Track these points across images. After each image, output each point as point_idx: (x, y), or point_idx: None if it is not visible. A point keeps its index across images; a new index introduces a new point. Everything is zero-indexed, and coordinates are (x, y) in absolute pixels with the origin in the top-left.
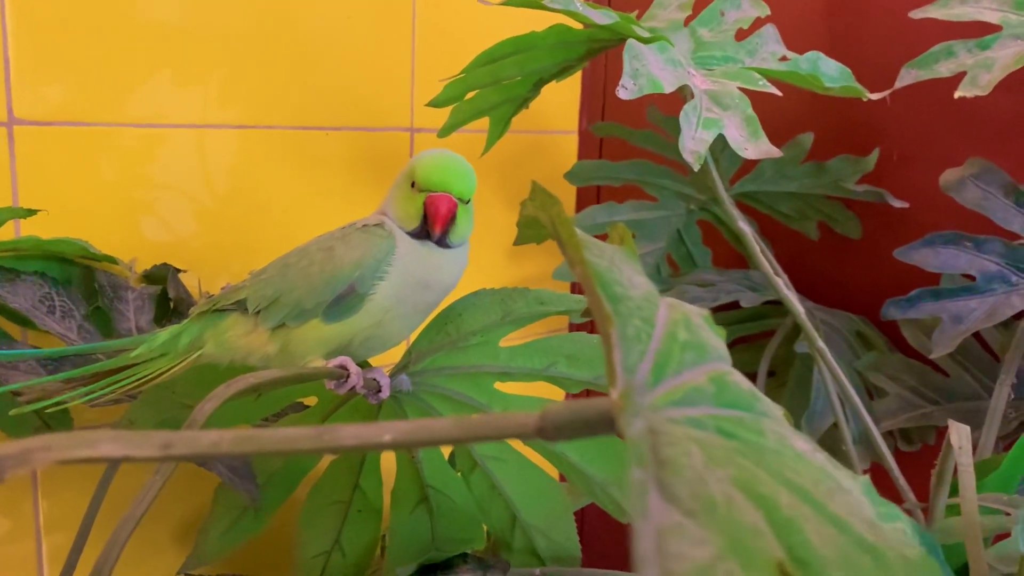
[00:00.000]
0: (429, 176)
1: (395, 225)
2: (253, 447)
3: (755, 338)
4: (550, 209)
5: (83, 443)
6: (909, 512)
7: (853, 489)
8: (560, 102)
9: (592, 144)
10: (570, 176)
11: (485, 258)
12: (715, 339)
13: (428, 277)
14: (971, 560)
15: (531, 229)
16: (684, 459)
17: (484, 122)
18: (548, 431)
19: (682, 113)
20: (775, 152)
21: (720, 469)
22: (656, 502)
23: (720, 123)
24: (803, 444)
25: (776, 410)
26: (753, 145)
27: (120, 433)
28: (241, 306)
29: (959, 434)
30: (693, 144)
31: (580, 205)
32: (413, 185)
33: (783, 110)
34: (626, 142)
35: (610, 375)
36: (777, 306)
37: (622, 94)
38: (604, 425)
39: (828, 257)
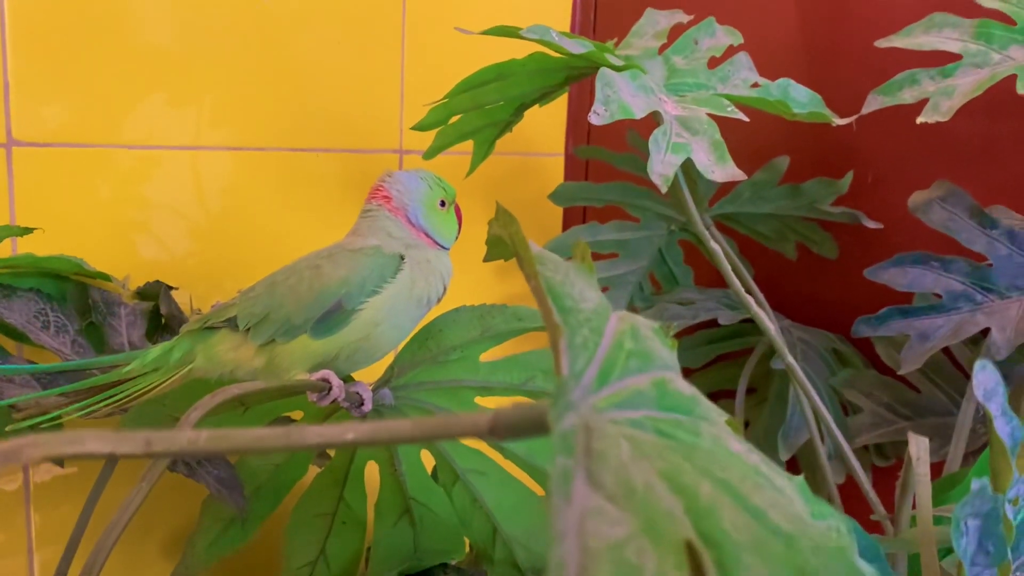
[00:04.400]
0: (453, 193)
1: (424, 244)
2: (227, 444)
3: (735, 355)
4: (509, 227)
5: (71, 441)
6: (877, 523)
7: (785, 488)
8: (547, 125)
9: (578, 166)
10: (554, 197)
11: (470, 276)
12: (662, 349)
13: (432, 292)
14: (924, 565)
15: (497, 247)
16: (612, 451)
17: (470, 144)
18: (499, 430)
19: (652, 137)
20: (740, 175)
21: (645, 460)
22: (582, 487)
23: (688, 147)
24: (739, 446)
25: (718, 415)
26: (720, 168)
27: (105, 432)
28: (231, 323)
29: (918, 446)
30: (661, 167)
31: (566, 225)
32: (443, 204)
33: (760, 134)
34: (610, 164)
35: (557, 380)
36: (755, 324)
37: (594, 120)
38: (547, 425)
39: (805, 276)
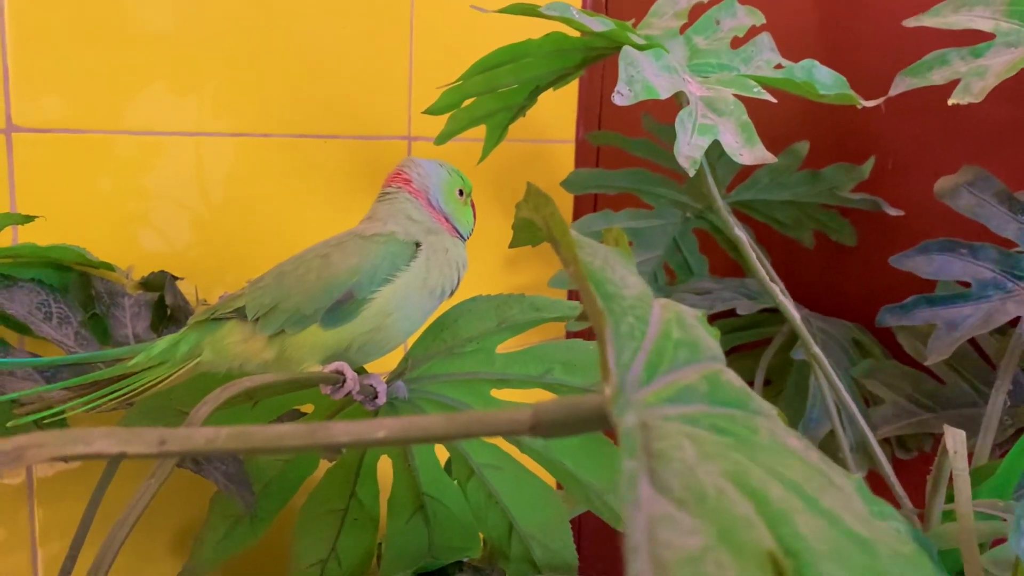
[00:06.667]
0: (470, 186)
1: (444, 231)
2: (248, 443)
3: (752, 346)
4: (543, 210)
5: (78, 440)
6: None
7: (846, 487)
8: (557, 111)
9: (589, 153)
10: (566, 184)
11: (482, 266)
12: (709, 339)
13: (447, 283)
14: (966, 564)
15: (525, 231)
16: (675, 452)
17: (481, 130)
18: (541, 427)
19: (678, 119)
20: (770, 158)
21: (711, 462)
22: (647, 492)
23: (715, 129)
24: (796, 442)
25: (770, 409)
26: (748, 151)
27: (115, 430)
28: (239, 314)
29: (954, 439)
30: (689, 150)
31: (577, 214)
32: (461, 193)
33: (778, 118)
34: (623, 151)
35: (604, 372)
36: (773, 314)
37: (618, 100)
38: (596, 421)
39: (824, 265)
